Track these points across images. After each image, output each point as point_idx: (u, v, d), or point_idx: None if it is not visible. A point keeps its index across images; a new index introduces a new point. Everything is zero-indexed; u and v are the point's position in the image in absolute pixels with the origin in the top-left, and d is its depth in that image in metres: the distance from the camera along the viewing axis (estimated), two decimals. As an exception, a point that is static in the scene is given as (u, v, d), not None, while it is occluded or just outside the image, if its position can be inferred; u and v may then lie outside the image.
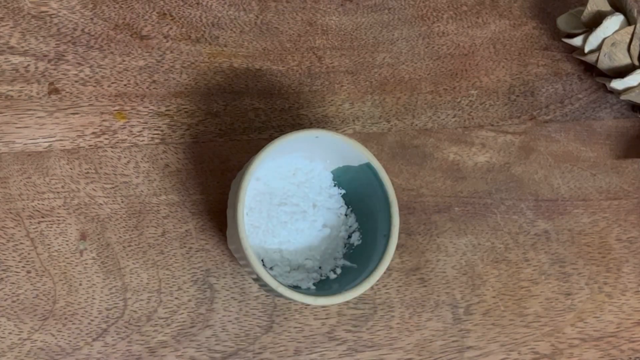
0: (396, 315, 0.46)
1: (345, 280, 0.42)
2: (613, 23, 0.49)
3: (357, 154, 0.43)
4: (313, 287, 0.43)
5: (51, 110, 0.46)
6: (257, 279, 0.41)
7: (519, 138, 0.51)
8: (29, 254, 0.43)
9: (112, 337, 0.43)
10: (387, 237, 0.42)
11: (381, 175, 0.42)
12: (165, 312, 0.44)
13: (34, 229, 0.44)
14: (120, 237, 0.44)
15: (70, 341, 0.42)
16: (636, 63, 0.50)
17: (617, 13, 0.50)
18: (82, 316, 0.43)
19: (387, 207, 0.42)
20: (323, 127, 0.48)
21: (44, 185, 0.45)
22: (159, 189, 0.46)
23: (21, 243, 0.43)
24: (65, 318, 0.43)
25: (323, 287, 0.43)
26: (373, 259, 0.42)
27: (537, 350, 0.47)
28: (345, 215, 0.46)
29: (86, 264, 0.44)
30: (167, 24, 0.48)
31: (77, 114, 0.46)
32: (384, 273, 0.41)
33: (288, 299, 0.41)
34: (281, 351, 0.45)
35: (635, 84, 0.50)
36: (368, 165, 0.43)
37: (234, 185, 0.43)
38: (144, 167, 0.46)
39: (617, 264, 0.50)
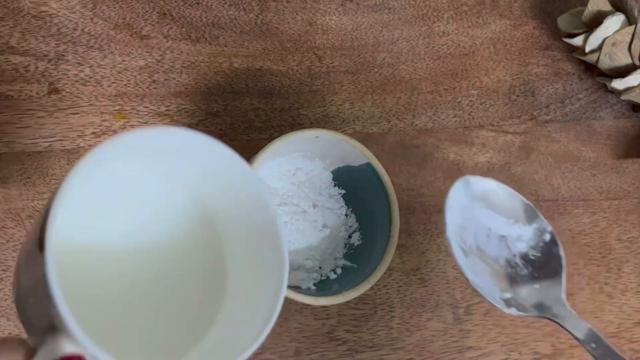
0: (396, 315, 0.46)
1: (345, 280, 0.42)
2: (614, 23, 0.49)
3: (357, 153, 0.43)
4: (313, 287, 0.43)
5: (51, 110, 0.46)
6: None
7: (519, 138, 0.51)
8: (29, 254, 0.43)
9: (112, 337, 0.43)
10: (387, 237, 0.42)
11: (381, 175, 0.42)
12: (165, 312, 0.44)
13: (34, 229, 0.44)
14: (120, 237, 0.44)
15: (70, 341, 0.42)
16: (637, 63, 0.50)
17: (618, 13, 0.50)
18: (82, 316, 0.43)
19: (388, 207, 0.42)
20: (323, 127, 0.48)
21: (43, 185, 0.44)
22: (159, 189, 0.46)
23: (21, 243, 0.43)
24: (65, 318, 0.43)
25: (323, 287, 0.43)
26: (373, 259, 0.42)
27: (538, 350, 0.47)
28: (346, 215, 0.46)
29: (86, 264, 0.43)
30: (167, 24, 0.48)
31: (77, 113, 0.46)
32: (384, 273, 0.41)
33: (288, 299, 0.41)
34: (281, 351, 0.45)
35: (635, 83, 0.50)
36: (368, 165, 0.43)
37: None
38: (144, 167, 0.46)
39: (617, 264, 0.50)
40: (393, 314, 0.46)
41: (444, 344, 0.46)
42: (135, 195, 0.32)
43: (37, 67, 0.46)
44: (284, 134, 0.41)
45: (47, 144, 0.45)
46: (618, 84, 0.50)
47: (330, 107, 0.49)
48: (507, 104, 0.52)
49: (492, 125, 0.51)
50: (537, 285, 0.36)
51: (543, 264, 0.36)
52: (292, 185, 0.45)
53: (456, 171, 0.49)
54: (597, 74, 0.53)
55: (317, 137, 0.42)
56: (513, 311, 0.35)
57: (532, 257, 0.36)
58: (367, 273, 0.41)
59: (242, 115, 0.48)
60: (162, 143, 0.30)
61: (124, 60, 0.47)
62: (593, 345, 0.33)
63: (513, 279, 0.36)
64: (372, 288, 0.41)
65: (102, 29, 0.48)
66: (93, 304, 0.29)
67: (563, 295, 0.35)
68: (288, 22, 0.50)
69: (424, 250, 0.48)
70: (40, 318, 0.26)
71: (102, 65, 0.47)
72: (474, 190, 0.36)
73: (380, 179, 0.43)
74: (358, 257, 0.44)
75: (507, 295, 0.35)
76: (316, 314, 0.45)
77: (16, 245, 0.43)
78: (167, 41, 0.48)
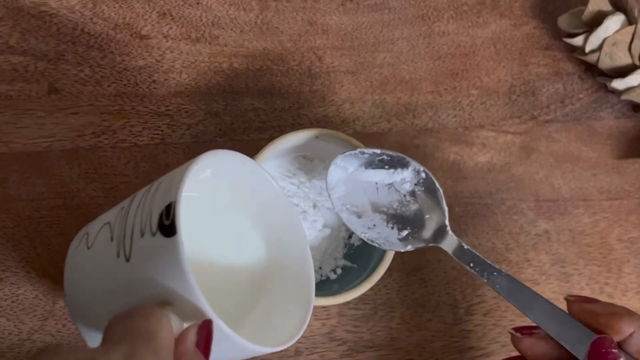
0: (397, 315, 0.46)
1: (345, 281, 0.42)
2: (614, 23, 0.49)
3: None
4: (313, 288, 0.43)
5: (51, 110, 0.46)
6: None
7: (519, 138, 0.51)
8: (28, 254, 0.43)
9: (112, 337, 0.43)
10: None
11: None
12: (165, 313, 0.44)
13: (33, 229, 0.44)
14: (120, 237, 0.44)
15: (70, 341, 0.42)
16: (637, 63, 0.50)
17: (618, 12, 0.50)
18: (82, 317, 0.43)
19: None
20: (323, 127, 0.48)
21: (43, 186, 0.44)
22: (159, 189, 0.45)
23: (21, 243, 0.43)
24: (65, 319, 0.42)
25: (323, 287, 0.43)
26: (373, 259, 0.42)
27: (538, 350, 0.47)
28: (346, 215, 0.46)
29: (86, 264, 0.43)
30: (167, 24, 0.48)
31: (76, 113, 0.46)
32: (385, 273, 0.41)
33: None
34: (282, 351, 0.44)
35: (636, 83, 0.50)
36: None
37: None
38: (144, 167, 0.46)
39: (618, 264, 0.50)
40: (393, 314, 0.46)
41: (444, 345, 0.46)
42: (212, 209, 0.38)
43: (36, 67, 0.46)
44: (284, 134, 0.41)
45: (47, 143, 0.45)
46: (618, 84, 0.50)
47: (330, 107, 0.49)
48: (507, 104, 0.51)
49: (493, 125, 0.51)
50: (427, 216, 0.41)
51: (428, 197, 0.41)
52: (292, 185, 0.45)
53: (456, 171, 0.49)
54: (597, 74, 0.53)
55: (317, 137, 0.42)
56: (409, 247, 0.41)
57: (418, 192, 0.41)
58: (367, 273, 0.41)
59: (242, 115, 0.48)
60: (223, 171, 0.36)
61: (123, 60, 0.47)
62: (472, 264, 0.39)
63: (408, 216, 0.41)
64: (372, 288, 0.41)
65: (102, 29, 0.48)
66: None
67: (446, 222, 0.40)
68: (288, 22, 0.50)
69: (424, 250, 0.48)
70: (135, 299, 0.30)
71: (101, 65, 0.47)
72: (347, 162, 0.41)
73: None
74: (358, 257, 0.44)
75: (405, 232, 0.41)
76: (316, 314, 0.45)
77: (16, 245, 0.43)
78: (167, 41, 0.48)
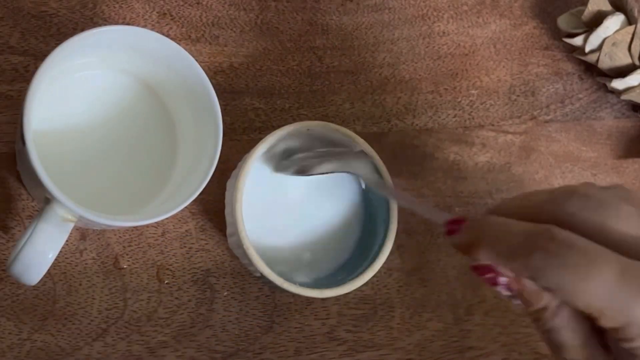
0: (397, 315, 0.46)
1: (346, 272, 0.43)
2: (614, 23, 0.49)
3: (351, 143, 0.43)
4: (309, 281, 0.43)
5: (51, 110, 0.46)
6: (261, 277, 0.41)
7: (519, 138, 0.51)
8: (28, 254, 0.43)
9: (112, 337, 0.43)
10: (386, 227, 0.42)
11: (378, 166, 0.43)
12: (165, 312, 0.44)
13: (33, 229, 0.44)
14: (120, 237, 0.44)
15: (70, 341, 0.42)
16: (637, 63, 0.50)
17: (618, 13, 0.50)
18: (82, 316, 0.43)
19: (386, 202, 0.42)
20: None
21: (43, 185, 0.44)
22: (159, 188, 0.45)
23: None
24: (65, 318, 0.43)
25: (325, 280, 0.43)
26: (373, 248, 0.42)
27: (538, 350, 0.47)
28: (346, 214, 0.46)
29: (86, 264, 0.43)
30: (167, 24, 0.48)
31: (77, 113, 0.46)
32: (385, 273, 0.41)
33: (294, 294, 0.41)
34: (281, 351, 0.44)
35: (636, 83, 0.50)
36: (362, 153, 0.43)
37: (229, 186, 0.43)
38: (144, 167, 0.46)
39: (618, 264, 0.50)
40: (393, 314, 0.46)
41: (444, 344, 0.46)
42: (95, 85, 0.41)
43: (37, 67, 0.46)
44: (275, 129, 0.41)
45: (47, 143, 0.45)
46: (618, 84, 0.50)
47: (330, 107, 0.49)
48: (507, 104, 0.52)
49: (492, 125, 0.51)
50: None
51: None
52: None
53: (456, 171, 0.49)
54: (597, 74, 0.53)
55: (308, 129, 0.42)
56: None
57: None
58: (368, 261, 0.41)
59: (242, 115, 0.48)
60: (115, 40, 0.38)
61: (123, 60, 0.47)
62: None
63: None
64: (372, 288, 0.41)
65: (102, 29, 0.48)
66: (75, 174, 0.39)
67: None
68: (288, 22, 0.50)
69: (424, 250, 0.48)
70: (39, 193, 0.36)
71: (102, 65, 0.47)
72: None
73: (377, 169, 0.43)
74: (357, 247, 0.44)
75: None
76: (316, 314, 0.45)
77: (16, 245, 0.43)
78: (167, 41, 0.48)
